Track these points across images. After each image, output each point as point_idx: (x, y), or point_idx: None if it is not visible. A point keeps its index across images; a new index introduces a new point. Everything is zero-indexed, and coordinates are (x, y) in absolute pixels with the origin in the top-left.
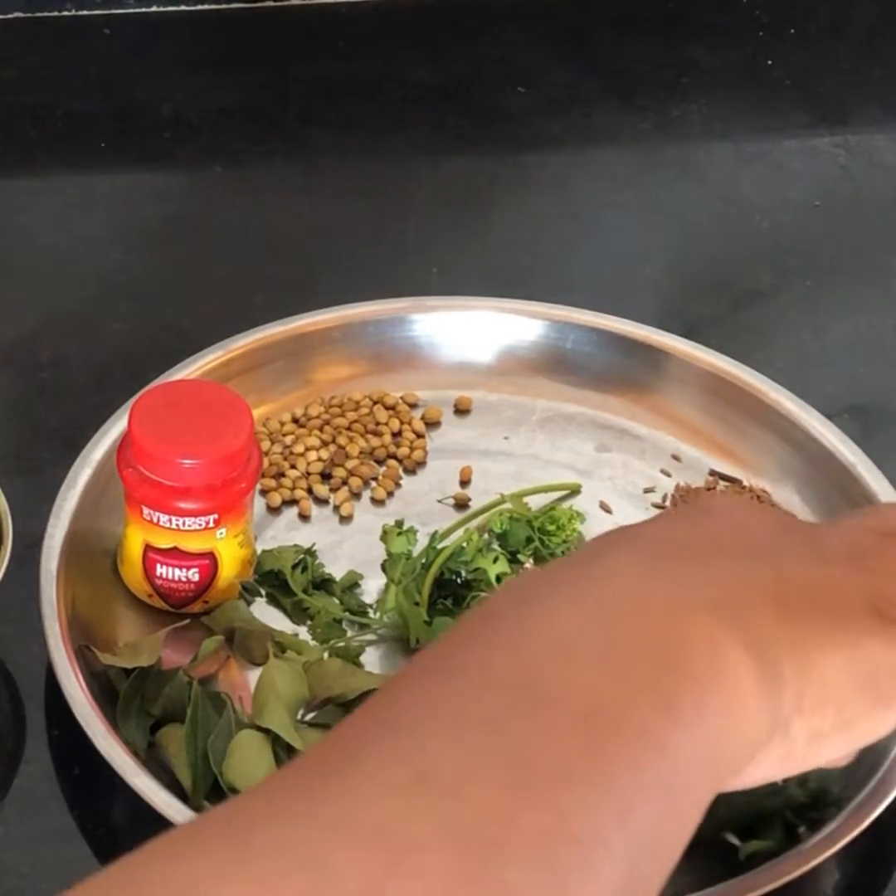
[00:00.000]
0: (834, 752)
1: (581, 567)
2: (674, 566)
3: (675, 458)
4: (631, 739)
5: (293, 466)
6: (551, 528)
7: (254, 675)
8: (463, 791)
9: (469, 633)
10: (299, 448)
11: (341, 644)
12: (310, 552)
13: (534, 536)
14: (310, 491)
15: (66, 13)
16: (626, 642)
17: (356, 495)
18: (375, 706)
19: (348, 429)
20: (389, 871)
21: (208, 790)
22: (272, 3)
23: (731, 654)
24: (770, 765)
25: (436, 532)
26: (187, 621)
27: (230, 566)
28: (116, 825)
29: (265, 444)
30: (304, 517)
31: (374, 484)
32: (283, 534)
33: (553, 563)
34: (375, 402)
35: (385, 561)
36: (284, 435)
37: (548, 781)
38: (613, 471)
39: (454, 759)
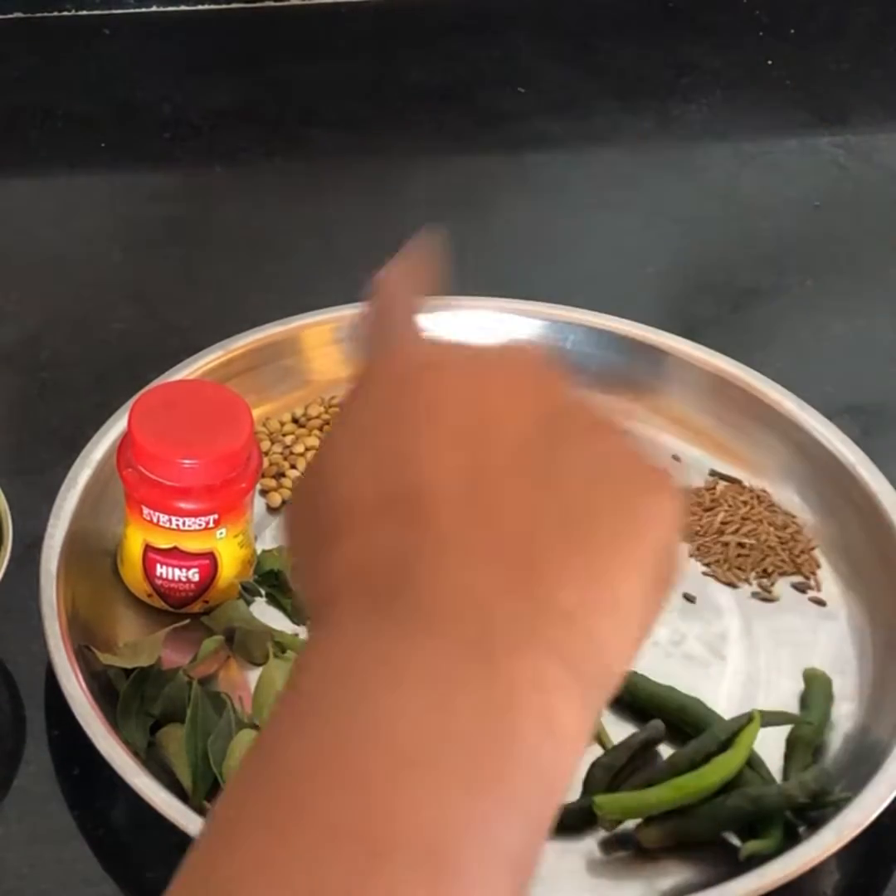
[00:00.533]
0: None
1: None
2: (493, 574)
3: (675, 458)
4: (480, 869)
5: (293, 466)
6: None
7: (254, 675)
8: None
9: (296, 747)
10: (299, 448)
11: None
12: None
13: None
14: None
15: (66, 13)
16: (463, 732)
17: None
18: (206, 864)
19: None
20: None
21: (208, 790)
22: (272, 3)
23: (557, 685)
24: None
25: None
26: (187, 621)
27: (230, 566)
28: (116, 825)
29: (265, 444)
30: None
31: None
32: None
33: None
34: None
35: None
36: (284, 435)
37: None
38: None
39: None
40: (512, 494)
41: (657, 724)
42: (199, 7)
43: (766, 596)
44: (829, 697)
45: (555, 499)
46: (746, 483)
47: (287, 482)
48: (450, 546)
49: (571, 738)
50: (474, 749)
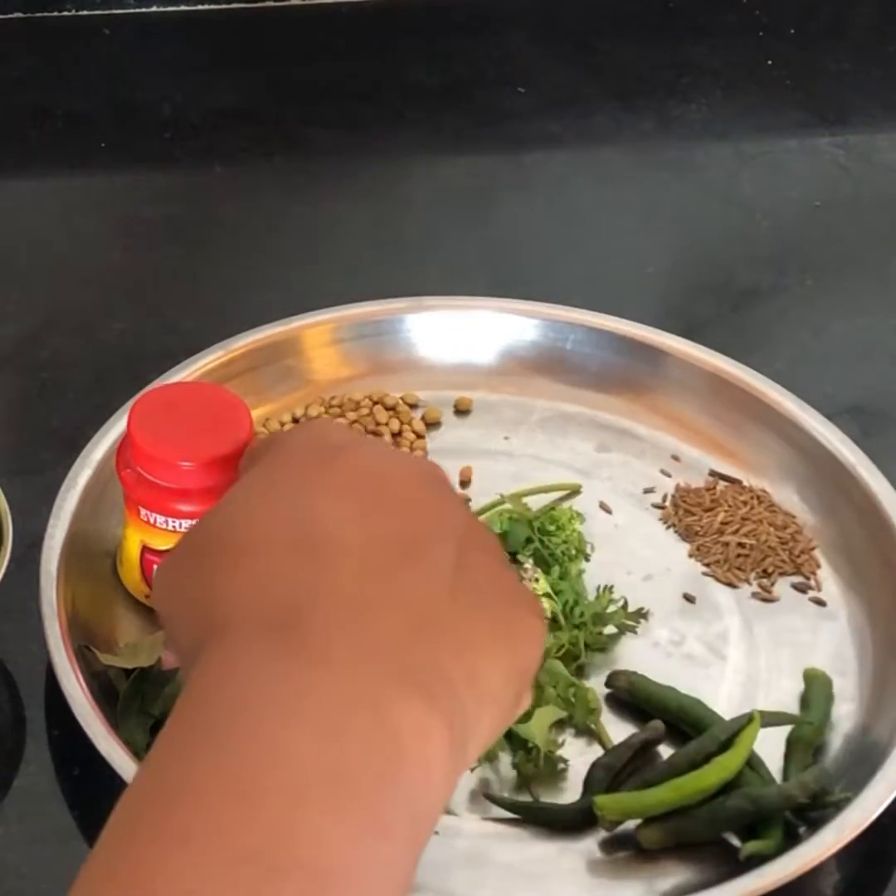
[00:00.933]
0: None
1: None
2: (379, 635)
3: (675, 458)
4: (368, 891)
5: None
6: (551, 528)
7: None
8: None
9: (192, 769)
10: None
11: None
12: None
13: (533, 537)
14: None
15: (66, 13)
16: (352, 767)
17: None
18: (104, 873)
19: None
20: None
21: None
22: (272, 3)
23: (435, 736)
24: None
25: None
26: None
27: None
28: None
29: None
30: None
31: None
32: None
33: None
34: (375, 403)
35: None
36: None
37: None
38: (613, 471)
39: None
40: (409, 569)
41: (657, 725)
42: (199, 7)
43: (766, 596)
44: (829, 697)
45: (445, 584)
46: (746, 483)
47: None
48: (347, 592)
49: (441, 785)
50: (364, 792)
